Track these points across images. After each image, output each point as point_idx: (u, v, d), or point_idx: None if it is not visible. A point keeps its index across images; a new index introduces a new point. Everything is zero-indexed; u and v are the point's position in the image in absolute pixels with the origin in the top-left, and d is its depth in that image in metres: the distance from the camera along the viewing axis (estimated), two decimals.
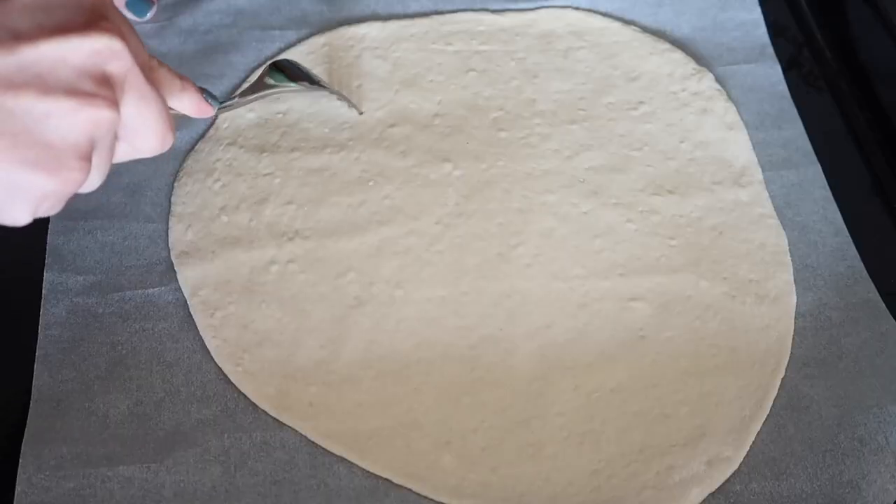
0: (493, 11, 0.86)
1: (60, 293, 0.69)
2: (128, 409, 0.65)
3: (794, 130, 0.79)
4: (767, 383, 0.66)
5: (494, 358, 0.67)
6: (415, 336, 0.68)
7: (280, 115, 0.78)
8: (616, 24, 0.86)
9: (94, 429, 0.64)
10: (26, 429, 0.63)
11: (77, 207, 0.73)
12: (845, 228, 0.74)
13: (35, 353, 0.67)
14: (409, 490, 0.62)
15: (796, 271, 0.72)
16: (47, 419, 0.64)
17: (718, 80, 0.82)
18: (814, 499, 0.62)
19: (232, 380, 0.66)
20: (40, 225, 0.72)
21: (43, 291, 0.69)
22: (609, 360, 0.67)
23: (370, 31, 0.84)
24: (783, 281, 0.71)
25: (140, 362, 0.67)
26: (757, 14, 0.87)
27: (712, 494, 0.62)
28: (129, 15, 0.83)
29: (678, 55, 0.84)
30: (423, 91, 0.81)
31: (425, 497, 0.62)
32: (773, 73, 0.83)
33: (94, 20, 0.46)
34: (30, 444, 0.63)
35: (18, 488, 0.61)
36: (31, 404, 0.64)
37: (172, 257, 0.71)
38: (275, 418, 0.65)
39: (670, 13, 0.87)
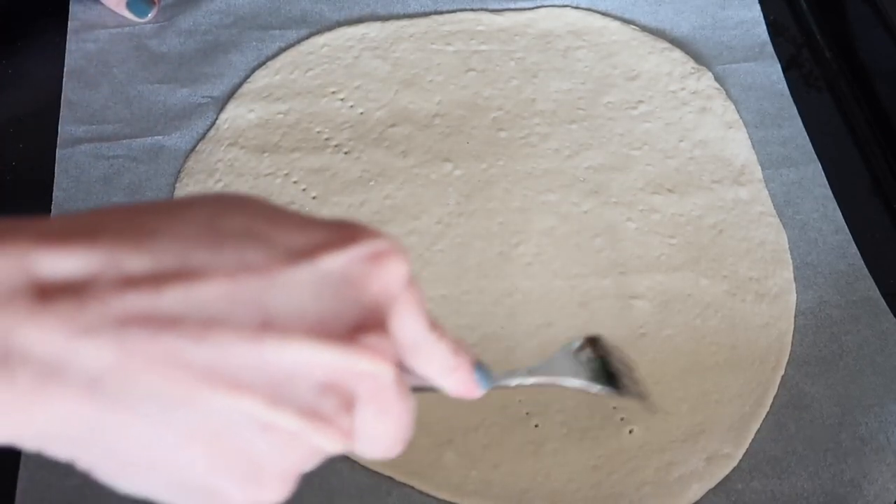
0: (492, 11, 0.86)
1: None
2: None
3: (794, 129, 0.80)
4: (767, 381, 0.67)
5: (496, 356, 0.67)
6: None
7: (280, 116, 0.79)
8: (615, 24, 0.86)
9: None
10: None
11: (78, 208, 0.73)
12: (845, 226, 0.74)
13: None
14: (412, 487, 0.63)
15: (796, 269, 0.72)
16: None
17: (718, 78, 0.83)
18: (815, 497, 0.62)
19: None
20: None
21: None
22: None
23: (369, 31, 0.84)
24: (783, 279, 0.71)
25: None
26: (756, 12, 0.87)
27: (714, 492, 0.63)
28: (130, 16, 0.83)
29: (677, 54, 0.84)
30: (423, 91, 0.81)
31: (428, 494, 0.62)
32: (772, 71, 0.83)
33: (364, 326, 0.37)
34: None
35: (21, 486, 0.61)
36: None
37: None
38: None
39: (670, 12, 0.87)
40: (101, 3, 0.83)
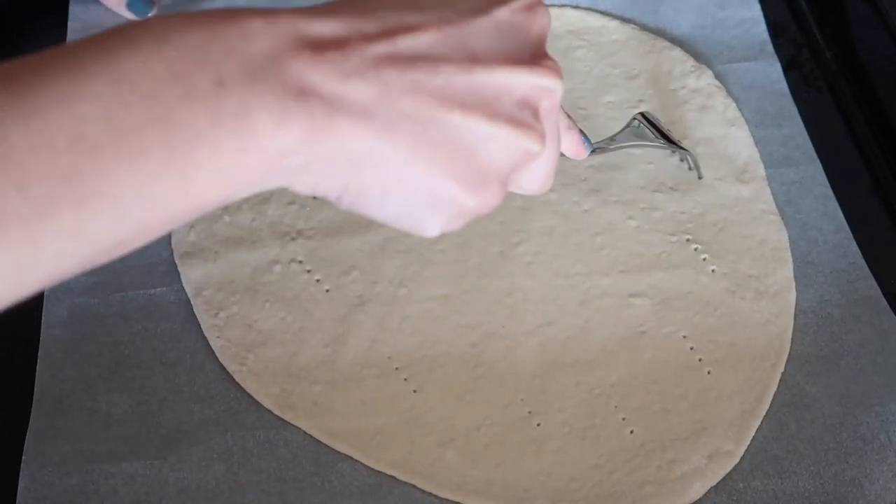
0: None
1: (62, 293, 0.69)
2: (130, 408, 0.65)
3: (794, 128, 0.80)
4: (768, 378, 0.67)
5: (496, 355, 0.67)
6: (417, 334, 0.68)
7: None
8: (614, 23, 0.86)
9: (97, 427, 0.64)
10: (29, 426, 0.64)
11: None
12: (846, 225, 0.74)
13: (37, 352, 0.67)
14: (414, 487, 0.63)
15: (797, 268, 0.72)
16: (49, 417, 0.64)
17: (718, 77, 0.83)
18: (816, 497, 0.62)
19: (236, 379, 0.66)
20: None
21: (45, 292, 0.69)
22: (610, 356, 0.68)
23: None
24: (783, 277, 0.72)
25: (142, 362, 0.67)
26: (756, 11, 0.87)
27: (716, 491, 0.63)
28: (131, 16, 0.83)
29: (677, 53, 0.84)
30: None
31: (430, 494, 0.63)
32: (772, 70, 0.83)
33: (539, 55, 0.48)
34: (32, 440, 0.63)
35: (22, 484, 0.62)
36: (33, 403, 0.65)
37: (175, 258, 0.71)
38: (278, 417, 0.65)
39: (670, 11, 0.87)
40: (101, 4, 0.83)
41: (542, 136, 0.47)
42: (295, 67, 0.40)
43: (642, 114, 0.75)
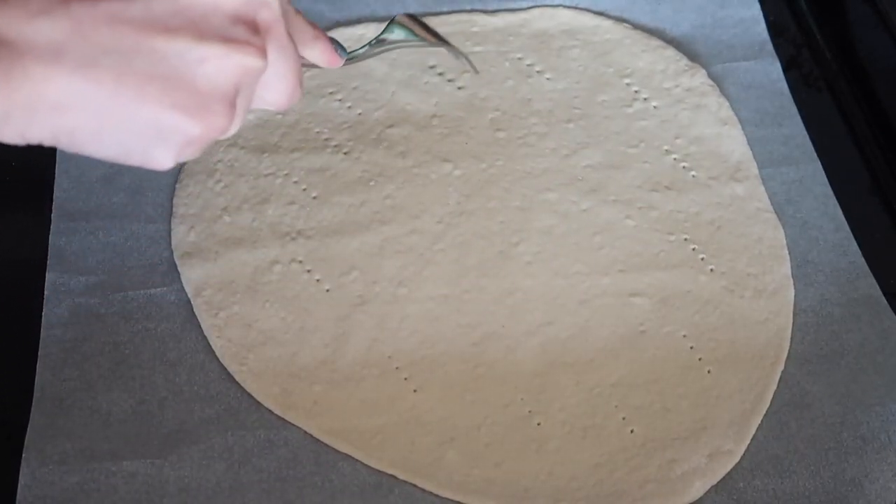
0: (487, 12, 0.86)
1: (62, 293, 0.69)
2: (131, 408, 0.65)
3: (794, 127, 0.80)
4: (767, 376, 0.67)
5: (497, 355, 0.68)
6: (418, 334, 0.68)
7: (279, 116, 0.79)
8: (608, 22, 0.86)
9: (98, 425, 0.64)
10: (29, 425, 0.64)
11: (78, 208, 0.73)
12: (846, 224, 0.74)
13: (37, 352, 0.67)
14: (414, 486, 0.63)
15: (797, 267, 0.73)
16: (50, 416, 0.64)
17: (718, 77, 0.83)
18: (816, 496, 0.63)
19: (237, 379, 0.66)
20: (42, 225, 0.72)
21: (45, 292, 0.69)
22: (610, 355, 0.68)
23: (367, 31, 0.84)
24: (781, 275, 0.72)
25: (143, 362, 0.67)
26: (756, 11, 0.87)
27: (716, 490, 0.63)
28: None
29: (670, 52, 0.84)
30: (420, 92, 0.81)
31: (430, 493, 0.63)
32: (772, 69, 0.84)
33: None
34: (33, 439, 0.63)
35: (22, 482, 0.62)
36: (33, 402, 0.65)
37: (175, 258, 0.71)
38: (278, 416, 0.65)
39: (669, 10, 0.87)
40: None
41: (259, 50, 0.46)
42: None
43: (407, 15, 0.69)
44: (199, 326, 0.69)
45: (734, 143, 0.79)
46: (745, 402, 0.66)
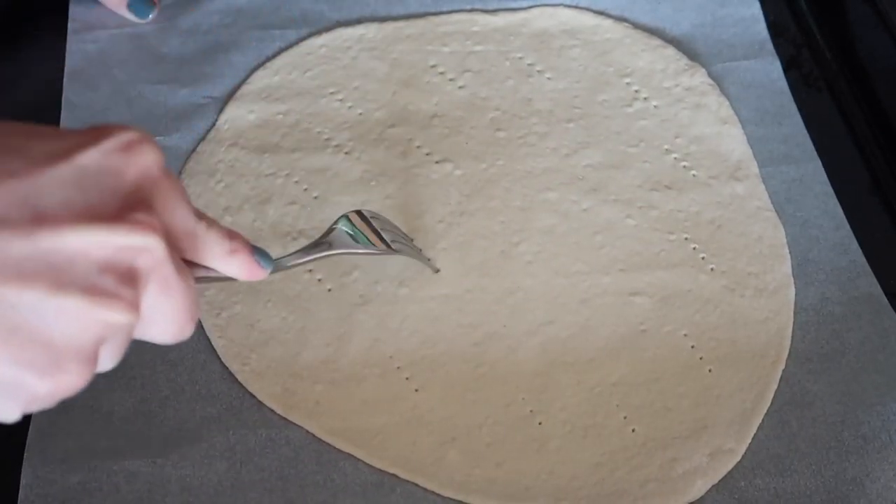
0: (487, 11, 0.87)
1: None
2: (132, 407, 0.65)
3: (794, 126, 0.80)
4: (768, 375, 0.67)
5: (498, 354, 0.68)
6: (419, 334, 0.68)
7: (280, 116, 0.79)
8: (608, 22, 0.86)
9: (99, 425, 0.64)
10: (31, 424, 0.64)
11: None
12: (846, 222, 0.74)
13: None
14: (416, 485, 0.63)
15: (798, 266, 0.73)
16: (51, 415, 0.64)
17: (718, 76, 0.83)
18: (818, 495, 0.63)
19: (239, 379, 0.66)
20: None
21: None
22: (611, 354, 0.68)
23: (367, 31, 0.85)
24: (782, 273, 0.72)
25: (144, 361, 0.67)
26: (756, 10, 0.87)
27: (717, 489, 0.63)
28: (131, 17, 0.83)
29: (670, 51, 0.84)
30: (421, 92, 0.81)
31: (432, 492, 0.63)
32: (772, 69, 0.84)
33: (130, 207, 0.41)
34: (34, 438, 0.63)
35: (24, 481, 0.62)
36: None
37: None
38: (280, 416, 0.65)
39: (669, 10, 0.87)
40: (101, 4, 0.83)
41: (129, 304, 0.41)
42: None
43: (357, 212, 0.66)
44: (201, 326, 0.69)
45: (734, 142, 0.79)
46: (746, 401, 0.66)
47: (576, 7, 0.87)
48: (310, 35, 0.85)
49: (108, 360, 0.43)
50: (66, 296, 0.39)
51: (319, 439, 0.65)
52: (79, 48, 0.83)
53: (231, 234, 0.49)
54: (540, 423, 0.65)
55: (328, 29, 0.85)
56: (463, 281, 0.71)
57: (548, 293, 0.71)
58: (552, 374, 0.67)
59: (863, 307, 0.70)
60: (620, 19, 0.87)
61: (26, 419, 0.64)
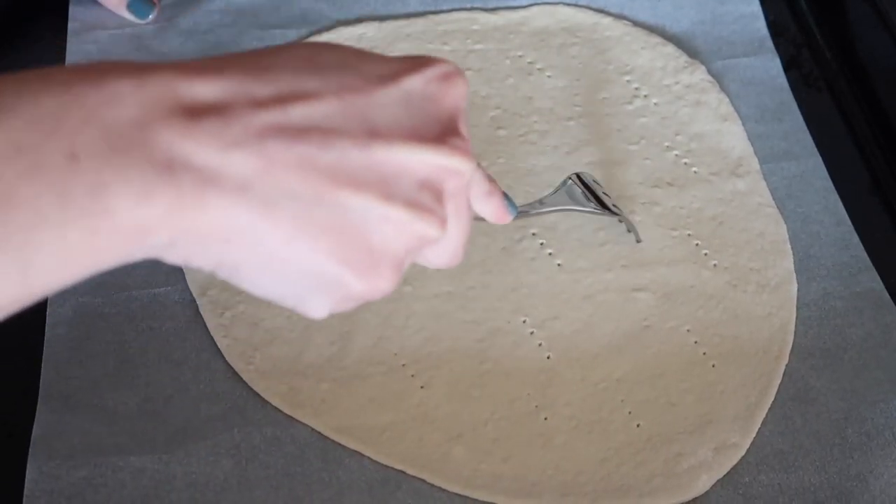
0: (487, 10, 0.87)
1: (66, 293, 0.69)
2: (137, 406, 0.65)
3: (794, 122, 0.80)
4: (771, 370, 0.67)
5: (502, 351, 0.68)
6: (423, 331, 0.68)
7: None
8: (607, 20, 0.87)
9: (104, 422, 0.64)
10: (35, 421, 0.64)
11: None
12: (847, 218, 0.75)
13: (40, 351, 0.67)
14: (422, 481, 0.63)
15: (799, 261, 0.73)
16: (56, 413, 0.64)
17: (718, 73, 0.83)
18: (822, 491, 0.63)
19: (244, 378, 0.66)
20: None
21: None
22: (615, 350, 0.68)
23: (367, 31, 0.85)
24: (784, 269, 0.72)
25: (148, 361, 0.67)
26: (756, 7, 0.88)
27: (722, 485, 0.63)
28: (131, 17, 0.83)
29: (670, 49, 0.85)
30: None
31: (438, 488, 0.63)
32: (772, 65, 0.84)
33: (448, 133, 0.44)
34: (39, 434, 0.63)
35: (29, 476, 0.61)
36: (38, 400, 0.65)
37: None
38: (285, 414, 0.65)
39: (669, 7, 0.88)
40: (101, 4, 0.83)
41: (441, 221, 0.44)
42: (164, 136, 0.37)
43: (577, 175, 0.72)
44: (204, 326, 0.69)
45: (735, 139, 0.79)
46: (749, 396, 0.66)
47: (575, 5, 0.88)
48: (310, 34, 0.85)
49: (427, 260, 0.48)
50: (391, 205, 0.42)
51: (325, 437, 0.64)
52: (79, 48, 0.83)
53: (490, 178, 0.53)
54: (545, 419, 0.65)
55: (328, 28, 0.85)
56: (466, 278, 0.71)
57: (551, 289, 0.71)
58: (557, 370, 0.67)
59: (865, 302, 0.71)
60: (620, 17, 0.87)
61: (29, 418, 0.64)
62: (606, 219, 0.73)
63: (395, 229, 0.43)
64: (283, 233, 0.40)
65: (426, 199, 0.43)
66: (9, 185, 0.34)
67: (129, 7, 0.83)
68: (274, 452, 0.64)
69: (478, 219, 0.54)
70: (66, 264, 0.36)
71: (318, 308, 0.44)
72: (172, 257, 0.40)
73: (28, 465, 0.62)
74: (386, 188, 0.42)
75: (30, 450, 0.62)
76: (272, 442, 0.64)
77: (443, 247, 0.48)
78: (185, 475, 0.63)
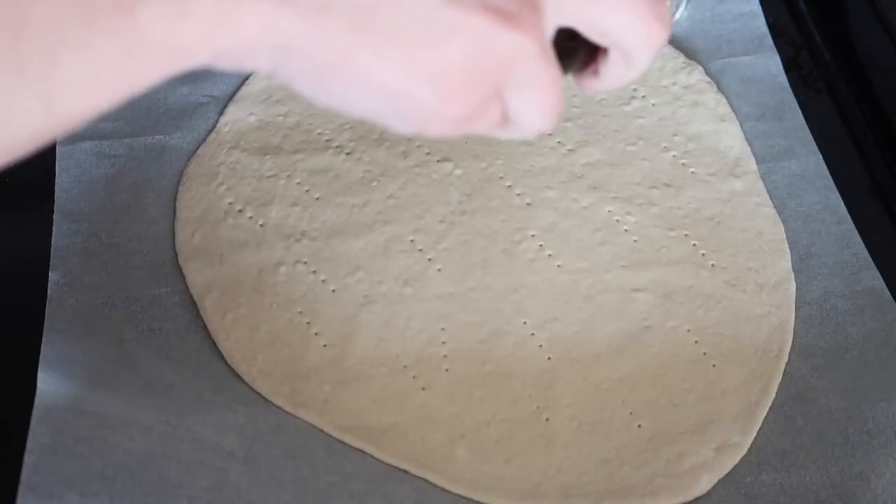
0: None
1: (66, 294, 0.69)
2: (140, 390, 0.63)
3: (795, 121, 0.80)
4: (771, 369, 0.68)
5: (503, 352, 0.68)
6: (424, 332, 0.69)
7: (280, 118, 0.79)
8: None
9: (107, 401, 0.60)
10: (34, 410, 0.59)
11: (80, 208, 0.73)
12: (848, 217, 0.75)
13: (38, 353, 0.66)
14: (425, 481, 0.63)
15: (800, 260, 0.73)
16: (55, 409, 0.63)
17: (717, 72, 0.83)
18: (823, 490, 0.63)
19: (246, 380, 0.66)
20: (44, 225, 0.72)
21: (48, 292, 0.68)
22: (616, 350, 0.68)
23: None
24: (782, 268, 0.73)
25: (148, 360, 0.67)
26: (755, 5, 0.87)
27: (724, 484, 0.63)
28: None
29: (667, 49, 0.85)
30: None
31: (441, 489, 0.63)
32: (772, 64, 0.84)
33: None
34: (39, 413, 0.58)
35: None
36: (35, 398, 0.63)
37: (180, 261, 0.71)
38: (287, 412, 0.65)
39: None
40: None
41: (533, 28, 0.38)
42: None
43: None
44: (205, 327, 0.69)
45: (732, 140, 0.79)
46: (750, 395, 0.66)
47: None
48: None
49: (523, 109, 0.41)
50: (465, 9, 0.37)
51: (328, 434, 0.64)
52: None
53: None
54: (547, 420, 0.65)
55: None
56: (466, 279, 0.71)
57: (551, 290, 0.71)
58: (558, 371, 0.67)
59: (866, 301, 0.71)
60: None
61: (25, 420, 0.62)
62: (605, 219, 0.74)
63: (474, 42, 0.37)
64: (342, 41, 0.36)
65: (511, 3, 0.37)
66: (18, 3, 0.30)
67: None
68: (279, 436, 0.63)
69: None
70: (95, 89, 0.33)
71: (398, 125, 0.40)
72: (221, 66, 0.36)
73: (25, 462, 0.56)
74: None
75: (30, 426, 0.59)
76: (276, 429, 0.63)
77: (533, 82, 0.40)
78: (192, 441, 0.59)
